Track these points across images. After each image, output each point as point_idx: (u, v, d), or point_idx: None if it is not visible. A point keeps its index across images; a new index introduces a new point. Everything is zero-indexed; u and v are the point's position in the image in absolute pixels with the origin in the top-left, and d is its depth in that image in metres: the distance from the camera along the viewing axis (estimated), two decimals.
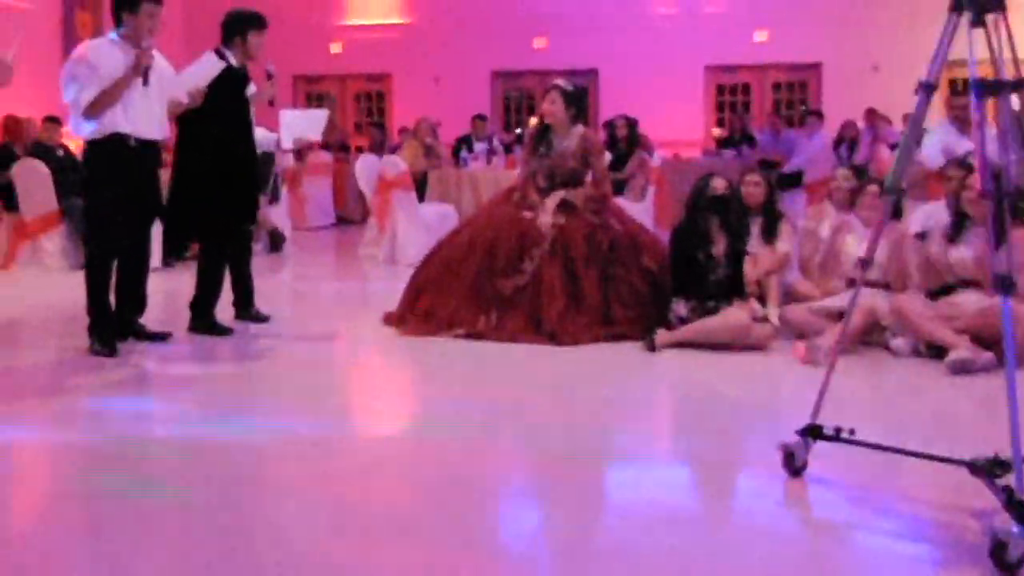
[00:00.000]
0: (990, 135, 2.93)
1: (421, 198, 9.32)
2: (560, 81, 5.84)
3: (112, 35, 4.85)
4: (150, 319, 5.25)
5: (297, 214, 10.97)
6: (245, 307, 5.75)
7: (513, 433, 3.69)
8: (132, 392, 4.42)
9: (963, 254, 4.87)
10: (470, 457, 3.35)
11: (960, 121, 6.69)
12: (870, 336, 5.03)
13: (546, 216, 5.47)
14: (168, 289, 6.54)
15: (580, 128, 5.70)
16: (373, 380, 4.91)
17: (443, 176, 9.78)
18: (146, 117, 4.82)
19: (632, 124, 10.06)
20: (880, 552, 2.62)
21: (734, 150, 12.19)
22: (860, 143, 11.08)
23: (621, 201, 7.98)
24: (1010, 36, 2.72)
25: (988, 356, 4.42)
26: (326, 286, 8.09)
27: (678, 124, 13.91)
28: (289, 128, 5.80)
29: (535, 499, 3.09)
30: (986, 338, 4.46)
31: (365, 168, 9.06)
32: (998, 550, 2.38)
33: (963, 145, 6.41)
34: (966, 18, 2.75)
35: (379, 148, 11.17)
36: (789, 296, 5.62)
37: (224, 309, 5.58)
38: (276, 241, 9.39)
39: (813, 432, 3.03)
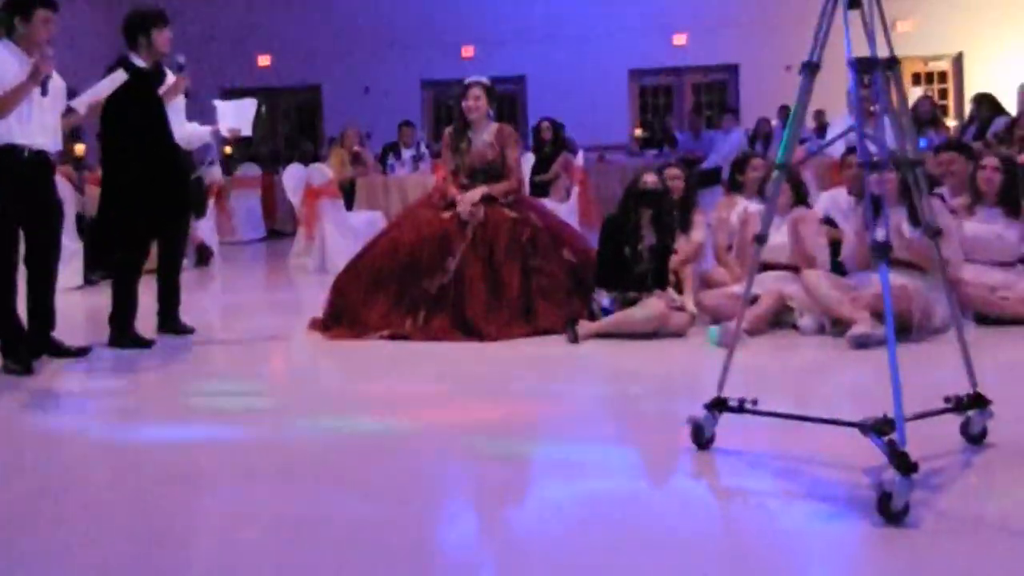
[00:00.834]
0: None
1: (350, 206, 9.35)
2: (477, 77, 5.93)
3: (2, 43, 4.67)
4: (73, 337, 5.17)
5: (225, 228, 10.90)
6: (169, 319, 5.66)
7: (435, 429, 3.73)
8: (48, 404, 4.36)
9: (882, 234, 5.06)
10: (394, 455, 3.37)
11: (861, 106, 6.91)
12: (779, 317, 5.20)
13: (465, 205, 5.53)
14: (91, 306, 6.45)
15: (495, 124, 5.81)
16: (297, 383, 4.90)
17: (370, 183, 9.81)
18: (41, 128, 4.70)
19: (557, 127, 10.21)
20: (780, 511, 2.73)
21: (656, 150, 12.44)
22: (773, 139, 11.38)
23: (546, 202, 8.10)
24: (882, 16, 2.87)
25: (884, 330, 4.58)
26: (254, 297, 8.06)
27: (603, 127, 14.14)
28: (224, 118, 5.75)
29: (461, 488, 3.14)
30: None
31: (292, 178, 9.07)
32: (884, 501, 2.50)
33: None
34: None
35: (308, 158, 11.16)
36: (704, 283, 5.78)
37: (145, 319, 5.51)
38: (203, 255, 9.32)
39: (718, 405, 3.13)
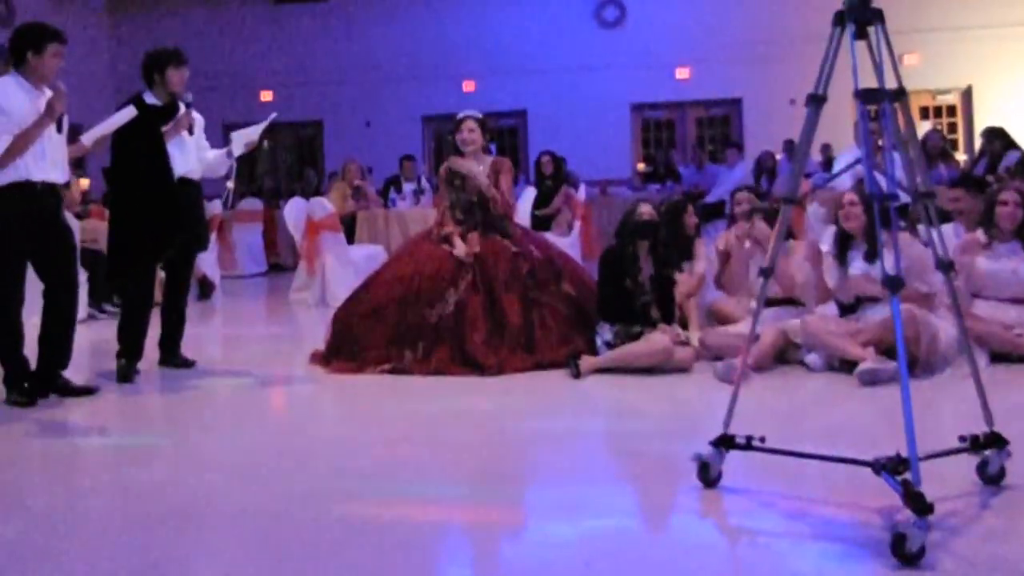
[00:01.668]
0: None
1: (351, 240, 9.31)
2: (470, 111, 5.92)
3: (12, 75, 4.68)
4: (77, 371, 5.13)
5: (227, 261, 10.87)
6: (171, 353, 5.65)
7: (440, 467, 3.67)
8: (48, 436, 4.30)
9: (856, 270, 5.04)
10: (396, 492, 3.31)
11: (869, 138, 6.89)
12: (786, 354, 5.13)
13: (460, 249, 5.51)
14: (95, 339, 6.40)
15: (491, 157, 5.83)
16: (297, 417, 4.85)
17: (371, 217, 9.78)
18: (52, 162, 4.71)
19: (558, 160, 10.21)
20: (790, 552, 2.65)
21: (659, 184, 12.43)
22: (779, 173, 11.37)
23: (548, 236, 8.07)
24: (890, 47, 2.83)
25: (894, 366, 4.53)
26: (255, 330, 8.01)
27: (606, 161, 14.17)
28: (237, 141, 5.77)
29: (463, 527, 3.07)
30: (892, 348, 4.58)
31: (293, 211, 9.04)
32: (898, 542, 2.43)
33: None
34: (849, 31, 2.84)
35: (311, 192, 11.15)
36: (713, 317, 5.72)
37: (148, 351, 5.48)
38: (205, 289, 9.29)
39: (725, 442, 3.06)
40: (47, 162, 4.67)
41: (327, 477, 3.49)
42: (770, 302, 5.16)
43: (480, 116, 5.87)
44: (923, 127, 13.57)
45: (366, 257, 8.75)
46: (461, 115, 5.88)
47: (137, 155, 5.23)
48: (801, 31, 11.84)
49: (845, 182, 6.63)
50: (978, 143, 10.57)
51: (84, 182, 9.26)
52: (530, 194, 9.58)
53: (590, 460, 3.81)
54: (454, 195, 5.73)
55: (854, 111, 2.65)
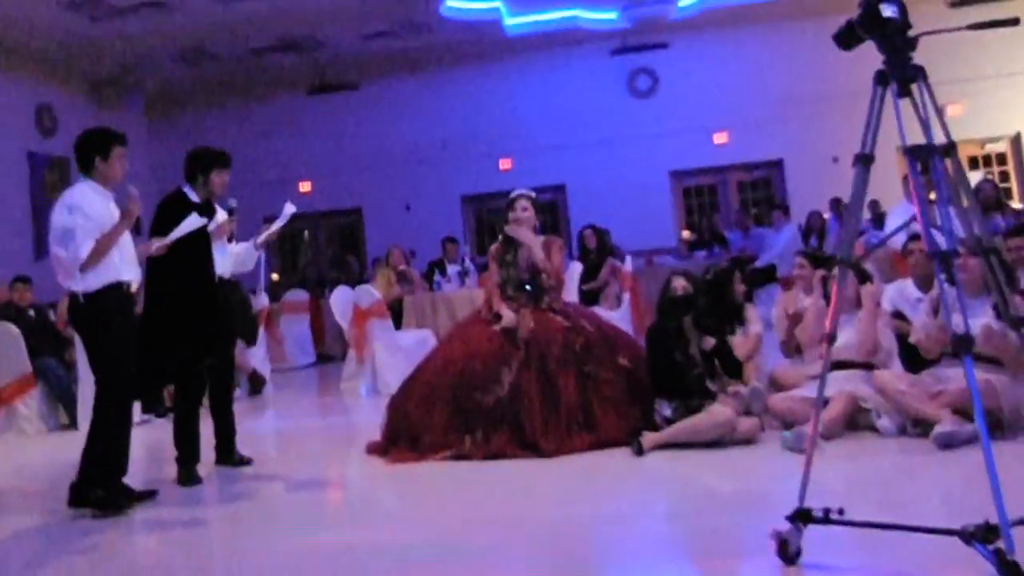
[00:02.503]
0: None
1: (398, 326, 9.32)
2: (524, 190, 5.93)
3: (85, 182, 4.76)
4: (134, 476, 5.07)
5: (276, 355, 10.92)
6: (227, 452, 5.62)
7: (510, 554, 3.58)
8: (119, 552, 4.24)
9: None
10: None
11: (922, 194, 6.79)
12: (855, 419, 4.99)
13: (509, 318, 5.46)
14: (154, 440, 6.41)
15: (540, 237, 5.81)
16: (364, 512, 4.76)
17: (418, 301, 9.79)
18: (132, 262, 4.82)
19: (601, 233, 10.20)
20: None
21: (706, 251, 12.34)
22: (828, 233, 11.24)
23: (597, 310, 8.01)
24: (934, 102, 2.78)
25: (972, 427, 4.37)
26: (309, 424, 7.98)
27: (649, 230, 14.13)
28: (261, 235, 5.83)
29: None
30: (971, 409, 4.41)
31: (339, 300, 9.08)
32: None
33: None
34: (892, 89, 2.81)
35: (354, 279, 11.22)
36: (774, 385, 5.59)
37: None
38: (256, 384, 9.31)
39: (803, 516, 2.96)
40: (128, 261, 4.78)
41: (402, 569, 3.40)
42: (840, 365, 5.04)
43: (533, 195, 5.89)
44: (974, 177, 13.40)
45: (415, 342, 8.73)
46: (514, 194, 5.89)
47: (180, 252, 5.17)
48: (838, 87, 11.82)
49: (899, 240, 6.52)
50: None
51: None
52: (576, 269, 9.54)
53: (663, 541, 3.70)
54: (505, 272, 5.72)
55: (900, 165, 2.62)
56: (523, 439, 5.16)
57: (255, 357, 9.36)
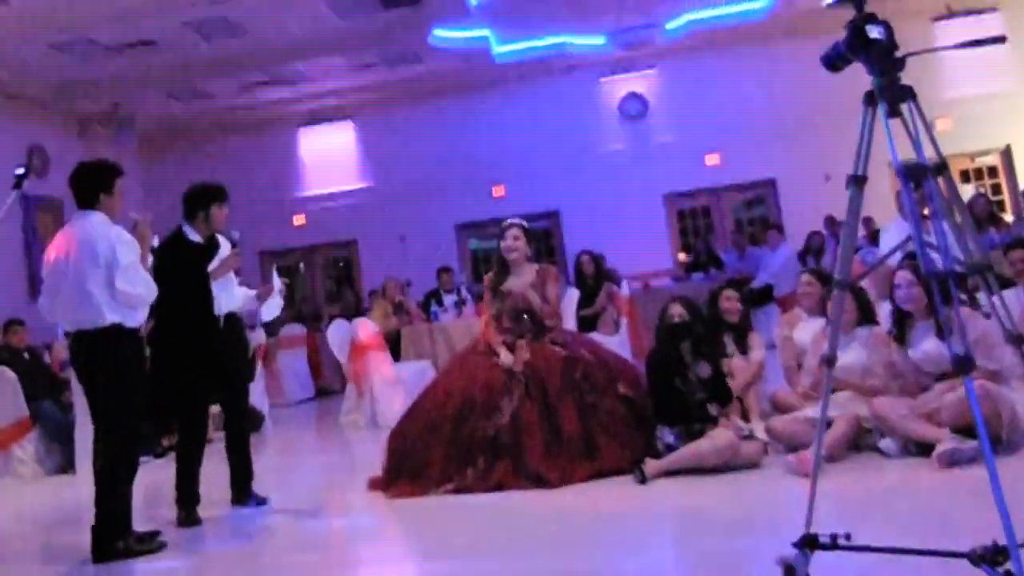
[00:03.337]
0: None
1: (396, 357, 9.28)
2: (516, 219, 5.92)
3: (97, 214, 4.71)
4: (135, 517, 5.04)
5: (274, 390, 10.86)
6: (243, 492, 5.54)
7: None
8: None
9: (919, 353, 4.86)
10: None
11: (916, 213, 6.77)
12: (859, 440, 4.95)
13: (507, 359, 5.44)
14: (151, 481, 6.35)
15: (535, 265, 5.78)
16: (370, 549, 4.73)
17: (415, 332, 9.76)
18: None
19: (597, 259, 10.18)
20: None
21: (703, 273, 12.33)
22: (826, 251, 11.22)
23: (595, 336, 7.98)
24: (925, 121, 2.78)
25: (974, 444, 4.34)
26: (309, 459, 7.92)
27: (645, 254, 14.12)
28: (268, 305, 5.83)
29: None
30: (970, 426, 4.38)
31: (337, 334, 9.05)
32: None
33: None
34: (882, 110, 2.80)
35: (351, 312, 11.19)
36: (774, 407, 5.56)
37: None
38: (254, 421, 9.23)
39: (809, 542, 2.92)
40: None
41: None
42: (841, 387, 5.01)
43: (525, 224, 5.87)
44: (966, 191, 13.40)
45: (414, 373, 8.70)
46: (506, 223, 5.88)
47: (182, 295, 5.23)
48: (829, 106, 11.79)
49: (894, 257, 6.50)
50: None
51: None
52: (573, 295, 9.52)
53: (669, 570, 3.65)
54: (499, 303, 5.69)
55: (893, 181, 2.62)
56: (525, 470, 5.12)
57: (252, 393, 9.27)
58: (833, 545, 2.88)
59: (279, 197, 15.66)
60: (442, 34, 13.17)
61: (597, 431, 5.24)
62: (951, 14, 13.89)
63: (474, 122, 15.27)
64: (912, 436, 4.68)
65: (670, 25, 13.43)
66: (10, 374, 7.81)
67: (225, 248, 5.54)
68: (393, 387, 8.51)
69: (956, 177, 14.07)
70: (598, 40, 13.66)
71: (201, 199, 5.46)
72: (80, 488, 4.81)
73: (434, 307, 10.78)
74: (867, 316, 5.32)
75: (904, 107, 2.82)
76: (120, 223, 4.74)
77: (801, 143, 13.96)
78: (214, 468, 5.35)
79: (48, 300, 4.74)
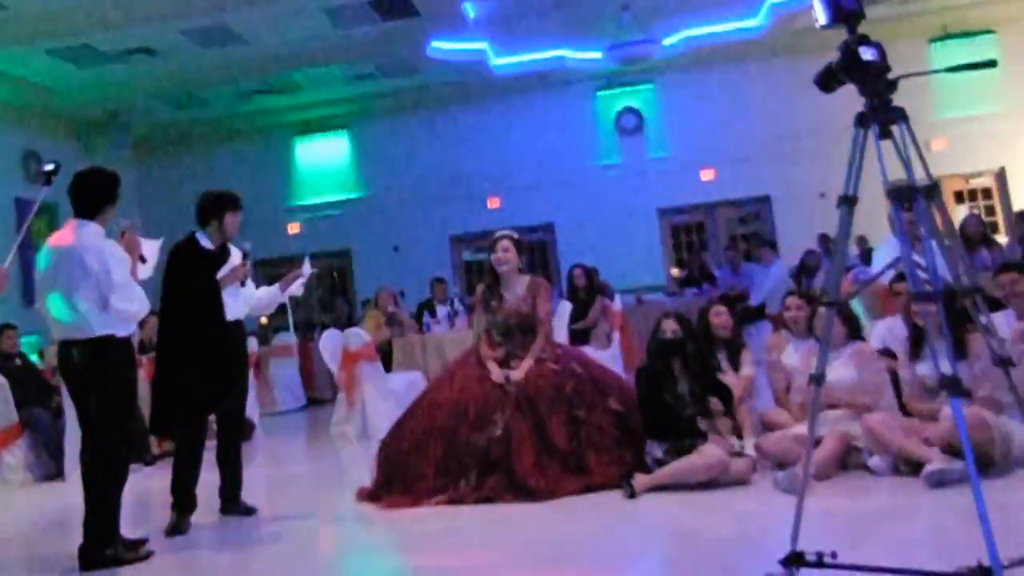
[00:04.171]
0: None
1: (388, 368, 9.28)
2: (506, 231, 5.93)
3: (92, 225, 4.69)
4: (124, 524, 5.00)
5: (265, 399, 10.84)
6: (232, 501, 5.54)
7: None
8: None
9: (926, 369, 4.87)
10: None
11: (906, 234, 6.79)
12: (847, 459, 4.96)
13: (497, 374, 5.45)
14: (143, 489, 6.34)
15: (527, 276, 5.78)
16: (359, 559, 4.72)
17: (407, 343, 9.76)
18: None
19: (590, 272, 10.19)
20: None
21: (695, 289, 12.34)
22: (821, 269, 11.20)
23: (587, 349, 7.99)
24: (916, 143, 2.80)
25: (962, 465, 4.33)
26: (299, 469, 7.90)
27: (638, 268, 14.16)
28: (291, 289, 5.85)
29: None
30: (960, 447, 4.39)
31: (328, 343, 9.04)
32: None
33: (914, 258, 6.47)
34: (873, 132, 2.82)
35: (343, 322, 11.18)
36: (764, 426, 5.56)
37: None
38: (245, 429, 9.22)
39: (795, 560, 2.93)
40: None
41: None
42: (831, 405, 5.02)
43: (516, 236, 5.87)
44: (959, 212, 13.44)
45: (405, 384, 8.69)
46: (497, 234, 5.88)
47: (192, 301, 5.23)
48: (824, 123, 11.85)
49: (887, 275, 6.52)
50: None
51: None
52: (565, 308, 9.52)
53: None
54: (490, 317, 5.70)
55: (886, 201, 2.64)
56: (515, 483, 5.12)
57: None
58: (819, 563, 2.89)
59: (274, 205, 15.68)
60: (439, 46, 13.22)
61: (587, 446, 5.24)
62: (947, 35, 13.98)
63: (470, 134, 15.32)
64: (901, 453, 4.69)
65: (667, 41, 13.50)
66: (1, 379, 7.78)
67: (236, 258, 5.55)
68: (384, 398, 8.51)
69: (950, 198, 14.16)
70: (595, 54, 13.72)
71: (215, 207, 5.45)
72: (69, 495, 4.79)
73: (426, 318, 10.78)
74: (854, 332, 5.33)
75: (895, 129, 2.84)
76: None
77: (796, 160, 14.03)
78: (203, 476, 5.33)
79: (40, 305, 4.74)
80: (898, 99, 2.93)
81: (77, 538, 4.57)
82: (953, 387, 2.52)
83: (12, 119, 12.87)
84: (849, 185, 2.93)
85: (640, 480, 4.91)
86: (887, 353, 5.42)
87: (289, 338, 12.42)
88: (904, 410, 5.03)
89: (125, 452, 4.72)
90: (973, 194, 14.67)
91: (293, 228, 15.87)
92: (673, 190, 14.79)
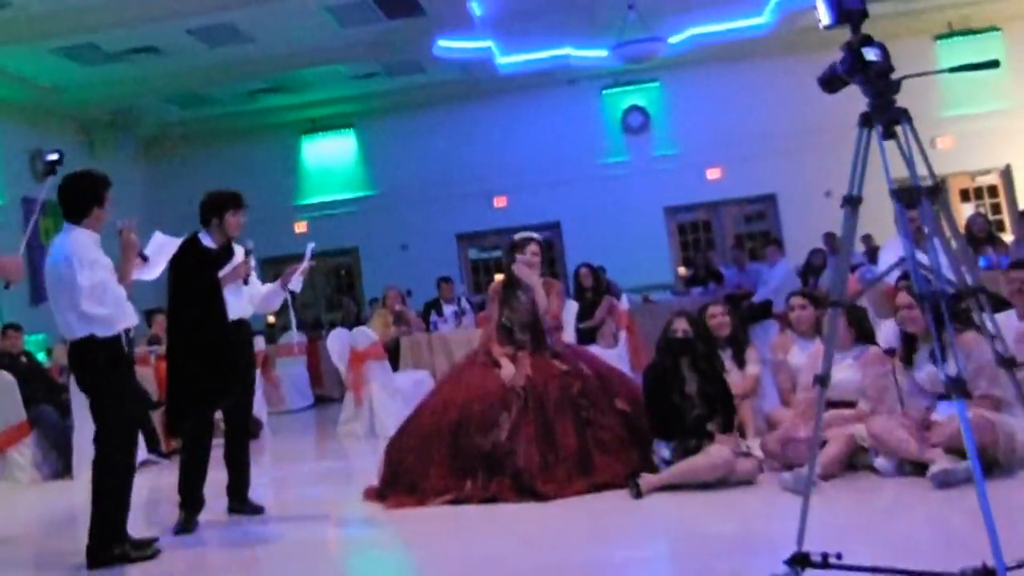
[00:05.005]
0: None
1: (395, 367, 9.29)
2: (531, 233, 5.94)
3: (81, 230, 4.69)
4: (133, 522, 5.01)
5: (273, 398, 10.86)
6: (240, 499, 5.55)
7: None
8: None
9: (922, 375, 4.86)
10: None
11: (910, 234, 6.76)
12: (854, 459, 4.96)
13: (508, 372, 5.45)
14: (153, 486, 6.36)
15: (539, 277, 5.82)
16: (366, 558, 4.73)
17: (414, 342, 9.78)
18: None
19: (597, 271, 10.19)
20: None
21: (702, 287, 12.33)
22: (828, 268, 11.19)
23: (594, 348, 7.99)
24: (919, 144, 2.80)
25: (967, 465, 4.33)
26: (306, 468, 7.93)
27: (645, 267, 14.15)
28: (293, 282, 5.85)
29: None
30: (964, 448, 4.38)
31: (336, 342, 9.06)
32: None
33: (919, 257, 6.45)
34: (877, 132, 2.82)
35: (351, 321, 11.19)
36: (769, 425, 5.56)
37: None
38: (252, 428, 9.23)
39: (801, 561, 2.94)
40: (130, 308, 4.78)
41: None
42: (835, 404, 5.02)
43: (541, 239, 5.91)
44: (965, 210, 13.40)
45: (413, 383, 8.71)
46: (524, 236, 5.88)
47: (193, 299, 5.28)
48: (830, 122, 11.80)
49: (891, 275, 6.49)
50: None
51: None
52: (572, 307, 9.52)
53: None
54: (508, 311, 5.71)
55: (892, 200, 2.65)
56: (521, 484, 5.13)
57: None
58: (824, 563, 2.90)
59: (281, 204, 15.70)
60: (445, 44, 13.23)
61: (593, 446, 5.25)
62: (952, 33, 13.94)
63: (476, 132, 15.32)
64: (906, 455, 4.68)
65: (673, 39, 13.48)
66: (8, 378, 7.81)
67: (239, 256, 5.56)
68: (391, 397, 8.52)
69: (956, 196, 14.12)
70: (601, 53, 13.71)
71: (215, 206, 5.46)
72: (77, 493, 4.82)
73: (434, 317, 10.79)
74: (863, 335, 5.32)
75: (899, 129, 2.84)
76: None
77: (802, 158, 14.01)
78: (211, 475, 5.36)
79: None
80: (903, 97, 2.93)
81: (85, 536, 4.59)
82: (958, 388, 2.53)
83: (18, 119, 12.90)
84: (853, 186, 2.94)
85: (647, 480, 4.91)
86: (894, 353, 5.40)
87: (292, 337, 12.43)
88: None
89: (129, 450, 4.73)
90: (979, 192, 14.61)
91: (300, 227, 15.88)
92: (679, 189, 14.78)
